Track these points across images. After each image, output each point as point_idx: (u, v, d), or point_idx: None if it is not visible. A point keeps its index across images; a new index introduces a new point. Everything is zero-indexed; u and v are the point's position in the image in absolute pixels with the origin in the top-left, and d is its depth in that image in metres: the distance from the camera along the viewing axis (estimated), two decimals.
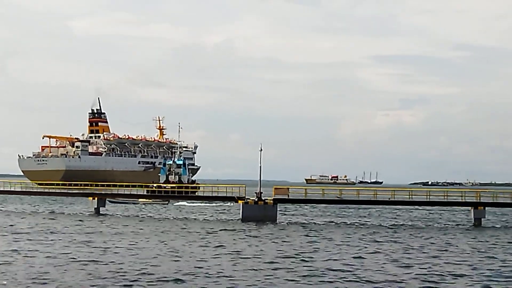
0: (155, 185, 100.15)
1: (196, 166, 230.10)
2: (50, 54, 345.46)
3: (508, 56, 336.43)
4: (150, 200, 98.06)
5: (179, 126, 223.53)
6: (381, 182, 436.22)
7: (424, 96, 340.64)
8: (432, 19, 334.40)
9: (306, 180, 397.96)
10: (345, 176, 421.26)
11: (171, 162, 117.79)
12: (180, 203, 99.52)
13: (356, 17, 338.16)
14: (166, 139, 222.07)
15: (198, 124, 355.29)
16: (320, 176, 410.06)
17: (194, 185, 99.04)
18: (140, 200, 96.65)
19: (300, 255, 42.67)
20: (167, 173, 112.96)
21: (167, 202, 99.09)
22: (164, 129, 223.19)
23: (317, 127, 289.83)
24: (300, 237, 55.01)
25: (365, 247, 48.01)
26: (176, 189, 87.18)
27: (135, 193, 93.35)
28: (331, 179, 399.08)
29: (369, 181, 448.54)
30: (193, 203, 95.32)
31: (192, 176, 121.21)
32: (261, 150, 73.62)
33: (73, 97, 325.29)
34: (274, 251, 44.69)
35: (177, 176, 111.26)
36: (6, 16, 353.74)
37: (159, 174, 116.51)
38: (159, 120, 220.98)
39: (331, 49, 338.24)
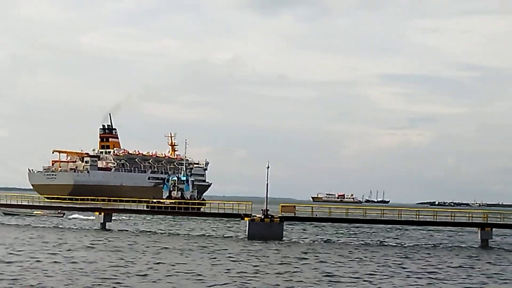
0: (154, 200, 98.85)
1: (207, 182, 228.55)
2: (59, 69, 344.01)
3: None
4: (44, 212, 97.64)
5: (186, 142, 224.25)
6: (388, 201, 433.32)
7: (432, 115, 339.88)
8: (439, 38, 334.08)
9: (312, 198, 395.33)
10: (352, 195, 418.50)
11: (175, 178, 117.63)
12: (74, 215, 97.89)
13: (363, 36, 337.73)
14: (177, 155, 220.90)
15: (205, 141, 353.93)
16: (326, 194, 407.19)
17: (197, 201, 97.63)
18: (34, 211, 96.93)
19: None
20: (170, 189, 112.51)
21: (62, 215, 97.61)
22: (176, 145, 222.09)
23: (323, 145, 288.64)
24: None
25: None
26: (176, 205, 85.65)
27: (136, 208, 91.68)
28: (338, 198, 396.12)
29: (375, 200, 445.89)
30: (88, 217, 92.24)
31: (196, 192, 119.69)
32: (268, 167, 72.58)
33: (83, 112, 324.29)
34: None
35: (179, 192, 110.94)
36: (15, 30, 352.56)
37: (162, 190, 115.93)
38: (171, 137, 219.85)
39: (338, 67, 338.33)
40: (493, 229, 71.56)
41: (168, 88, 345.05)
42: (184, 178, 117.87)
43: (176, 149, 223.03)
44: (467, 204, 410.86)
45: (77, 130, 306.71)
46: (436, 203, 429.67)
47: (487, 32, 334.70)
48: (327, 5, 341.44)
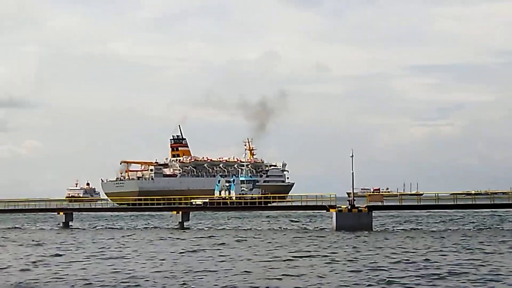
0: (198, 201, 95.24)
1: (288, 182, 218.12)
2: (94, 78, 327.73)
3: None
4: None
5: (248, 143, 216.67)
6: (422, 194, 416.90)
7: (462, 104, 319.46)
8: (465, 25, 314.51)
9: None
10: (387, 188, 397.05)
11: (231, 179, 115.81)
12: None
13: (389, 27, 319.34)
14: (254, 159, 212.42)
15: (229, 141, 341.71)
16: (361, 189, 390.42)
17: (232, 200, 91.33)
18: None
19: None
20: (220, 190, 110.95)
21: None
22: (254, 149, 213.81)
23: (354, 139, 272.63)
24: None
25: None
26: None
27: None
28: (373, 192, 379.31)
29: (409, 193, 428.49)
30: None
31: (258, 191, 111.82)
32: (352, 156, 62.00)
33: (138, 120, 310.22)
34: None
35: (227, 192, 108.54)
36: (45, 40, 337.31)
37: (214, 190, 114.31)
38: (249, 142, 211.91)
39: (365, 61, 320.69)
40: None
41: (208, 92, 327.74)
42: (243, 179, 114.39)
43: (254, 153, 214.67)
44: (504, 193, 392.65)
45: (144, 139, 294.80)
46: (473, 192, 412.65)
47: None
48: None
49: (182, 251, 43.25)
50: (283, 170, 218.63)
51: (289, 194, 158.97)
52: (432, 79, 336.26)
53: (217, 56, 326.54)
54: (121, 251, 44.16)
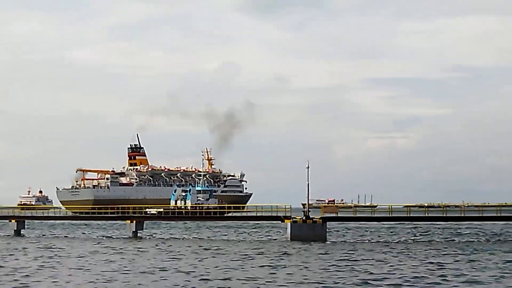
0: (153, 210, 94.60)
1: (246, 193, 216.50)
2: (54, 85, 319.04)
3: (502, 75, 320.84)
4: None
5: (206, 153, 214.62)
6: (376, 206, 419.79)
7: (417, 117, 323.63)
8: (424, 40, 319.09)
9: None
10: (342, 200, 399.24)
11: (188, 189, 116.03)
12: None
13: (349, 41, 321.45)
14: (212, 169, 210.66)
15: (187, 151, 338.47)
16: (317, 200, 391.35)
17: (187, 210, 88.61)
18: None
19: None
20: (176, 199, 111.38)
21: None
22: (213, 159, 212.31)
23: (311, 150, 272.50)
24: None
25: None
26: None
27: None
28: (328, 203, 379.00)
29: (364, 204, 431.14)
30: None
31: (214, 201, 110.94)
32: (308, 167, 61.64)
33: (94, 129, 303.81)
34: None
35: (183, 201, 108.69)
36: (7, 46, 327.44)
37: (170, 200, 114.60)
38: (207, 152, 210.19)
39: (324, 73, 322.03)
40: None
41: (165, 101, 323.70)
42: (200, 188, 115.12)
43: (212, 163, 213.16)
44: (457, 206, 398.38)
45: (102, 148, 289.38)
46: (426, 205, 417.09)
47: (472, 32, 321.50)
48: (312, 11, 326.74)
49: (122, 260, 42.55)
50: (241, 180, 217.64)
51: (247, 204, 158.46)
52: (390, 92, 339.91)
53: (177, 65, 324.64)
54: (58, 261, 42.55)
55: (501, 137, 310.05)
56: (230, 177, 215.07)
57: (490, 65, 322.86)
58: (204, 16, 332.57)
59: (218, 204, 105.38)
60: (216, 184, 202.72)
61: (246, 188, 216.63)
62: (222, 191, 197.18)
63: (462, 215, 65.76)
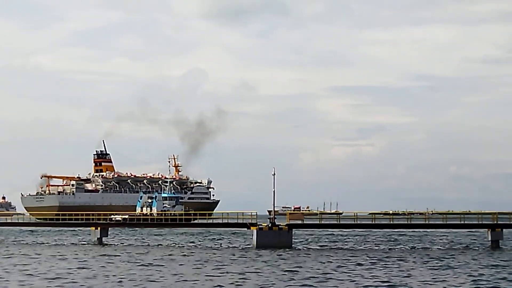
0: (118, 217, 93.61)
1: (213, 200, 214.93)
2: (16, 90, 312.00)
3: (464, 86, 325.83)
4: None
5: (173, 159, 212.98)
6: (341, 213, 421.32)
7: (382, 125, 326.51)
8: (388, 49, 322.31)
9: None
10: (308, 207, 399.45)
11: (153, 195, 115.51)
12: None
13: (314, 49, 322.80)
14: (179, 176, 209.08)
15: (154, 158, 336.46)
16: (282, 207, 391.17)
17: (153, 217, 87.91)
18: None
19: None
20: (141, 206, 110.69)
21: None
22: (180, 166, 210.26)
23: (277, 158, 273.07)
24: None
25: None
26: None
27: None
28: (294, 210, 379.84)
29: (329, 212, 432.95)
30: None
31: (181, 208, 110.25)
32: (274, 174, 61.39)
33: (59, 135, 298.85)
34: None
35: (148, 208, 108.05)
36: None
37: (136, 206, 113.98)
38: (174, 158, 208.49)
39: (290, 81, 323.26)
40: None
41: (127, 107, 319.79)
42: (166, 195, 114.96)
43: (180, 170, 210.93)
44: (421, 213, 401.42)
45: (67, 154, 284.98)
46: (390, 212, 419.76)
47: (435, 42, 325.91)
48: (278, 19, 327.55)
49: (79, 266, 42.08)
50: (208, 187, 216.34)
51: (214, 211, 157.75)
52: (354, 100, 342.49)
53: (142, 71, 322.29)
54: (6, 269, 41.43)
55: (463, 146, 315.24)
56: (197, 184, 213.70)
57: (452, 75, 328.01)
58: (169, 23, 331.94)
59: (184, 211, 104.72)
60: (183, 191, 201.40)
61: (213, 195, 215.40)
62: (189, 198, 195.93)
63: (427, 222, 66.07)
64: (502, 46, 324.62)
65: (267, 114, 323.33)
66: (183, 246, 63.42)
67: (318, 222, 63.82)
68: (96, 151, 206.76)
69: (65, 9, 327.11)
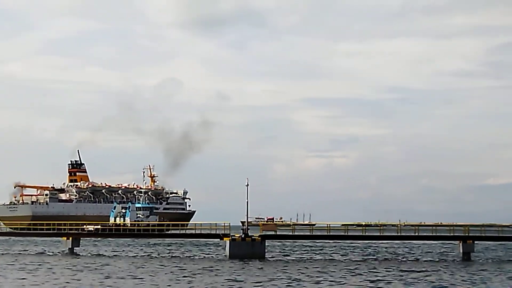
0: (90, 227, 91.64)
1: (189, 210, 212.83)
2: None
3: (437, 98, 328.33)
4: None
5: (149, 170, 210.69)
6: (314, 224, 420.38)
7: (355, 137, 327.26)
8: (361, 61, 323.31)
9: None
10: (281, 218, 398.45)
11: (127, 206, 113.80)
12: None
13: (288, 61, 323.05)
14: (155, 186, 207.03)
15: (129, 168, 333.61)
16: (256, 218, 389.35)
17: (125, 227, 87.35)
18: None
19: None
20: (115, 216, 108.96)
21: None
22: (156, 176, 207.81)
23: (252, 168, 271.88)
24: None
25: None
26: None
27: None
28: (267, 221, 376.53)
29: (302, 223, 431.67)
30: None
31: (155, 218, 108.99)
32: (247, 185, 60.68)
33: (33, 144, 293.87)
34: None
35: (122, 218, 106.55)
36: None
37: (109, 217, 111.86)
38: (150, 169, 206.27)
39: (263, 92, 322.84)
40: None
41: (111, 117, 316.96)
42: (140, 205, 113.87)
43: (155, 180, 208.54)
44: (394, 225, 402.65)
45: (41, 163, 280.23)
46: (363, 224, 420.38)
47: (407, 55, 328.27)
48: (253, 30, 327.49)
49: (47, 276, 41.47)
50: (184, 198, 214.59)
51: (190, 222, 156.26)
52: (328, 112, 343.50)
53: (116, 81, 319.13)
54: None
55: (435, 158, 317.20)
56: (173, 194, 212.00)
57: (424, 87, 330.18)
58: (143, 32, 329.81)
59: (158, 221, 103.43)
60: (158, 201, 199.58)
61: (189, 206, 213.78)
62: (164, 209, 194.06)
63: (399, 234, 65.77)
64: (474, 59, 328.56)
65: (241, 124, 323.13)
66: (156, 257, 62.31)
67: (291, 233, 63.07)
68: (71, 161, 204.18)
69: (37, 18, 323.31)
